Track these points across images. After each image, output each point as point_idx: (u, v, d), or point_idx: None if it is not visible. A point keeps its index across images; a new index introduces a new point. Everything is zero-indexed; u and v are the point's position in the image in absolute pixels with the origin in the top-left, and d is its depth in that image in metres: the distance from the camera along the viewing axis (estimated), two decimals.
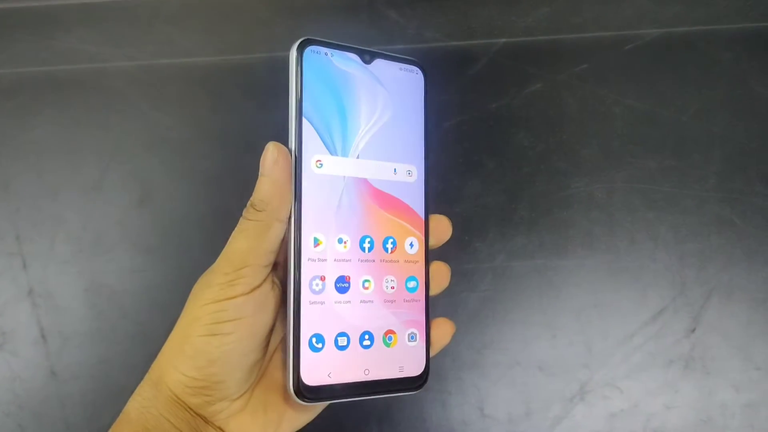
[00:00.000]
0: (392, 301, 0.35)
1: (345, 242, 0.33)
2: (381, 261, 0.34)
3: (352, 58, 0.34)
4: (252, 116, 0.49)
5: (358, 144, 0.34)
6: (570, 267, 0.47)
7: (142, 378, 0.33)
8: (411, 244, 0.35)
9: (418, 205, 0.36)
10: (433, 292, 0.36)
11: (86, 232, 0.48)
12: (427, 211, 0.36)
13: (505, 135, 0.49)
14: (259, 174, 0.32)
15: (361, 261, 0.34)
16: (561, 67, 0.50)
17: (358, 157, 0.34)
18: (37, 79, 0.50)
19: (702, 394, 0.46)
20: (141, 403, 0.31)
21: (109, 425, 0.31)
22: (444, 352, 0.37)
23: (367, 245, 0.34)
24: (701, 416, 0.46)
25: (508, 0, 0.51)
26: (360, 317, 0.34)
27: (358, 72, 0.34)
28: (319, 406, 0.35)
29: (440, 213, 0.37)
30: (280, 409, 0.34)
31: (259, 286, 0.32)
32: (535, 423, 0.46)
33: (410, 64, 0.36)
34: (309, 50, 0.33)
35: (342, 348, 0.33)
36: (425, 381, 0.35)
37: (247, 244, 0.31)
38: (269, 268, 0.32)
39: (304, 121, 0.32)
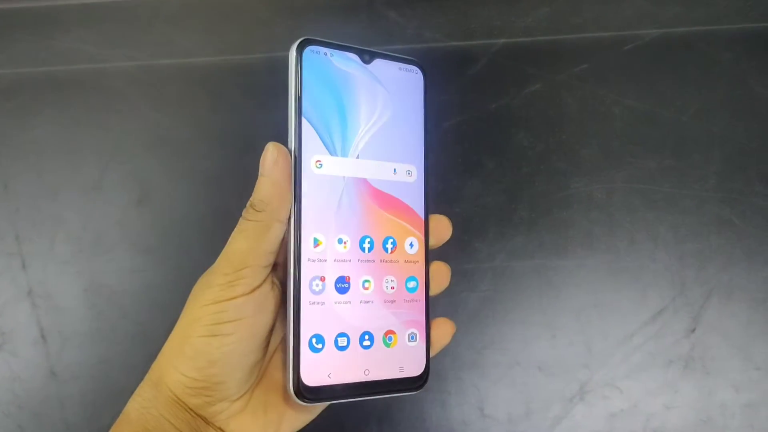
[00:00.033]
0: (392, 301, 0.35)
1: (345, 242, 0.33)
2: (381, 261, 0.34)
3: (351, 58, 0.34)
4: (251, 116, 0.49)
5: (357, 144, 0.34)
6: (570, 267, 0.47)
7: (141, 378, 0.32)
8: (411, 244, 0.35)
9: (417, 205, 0.36)
10: (433, 292, 0.36)
11: (86, 232, 0.48)
12: (427, 211, 0.36)
13: (505, 135, 0.49)
14: (259, 174, 0.32)
15: (361, 261, 0.34)
16: (561, 68, 0.50)
17: (357, 157, 0.34)
18: (37, 80, 0.50)
19: (702, 394, 0.46)
20: (141, 403, 0.31)
21: (109, 425, 0.31)
22: (444, 352, 0.37)
23: (367, 245, 0.34)
24: (701, 416, 0.46)
25: (508, 0, 0.51)
26: (360, 317, 0.34)
27: (357, 72, 0.34)
28: (319, 407, 0.35)
29: (440, 213, 0.37)
30: (280, 410, 0.34)
31: (259, 287, 0.32)
32: (535, 423, 0.46)
33: (410, 63, 0.36)
34: (308, 50, 0.33)
35: (342, 348, 0.33)
36: (425, 381, 0.35)
37: (247, 245, 0.31)
38: (269, 269, 0.32)
39: (304, 121, 0.32)
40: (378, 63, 0.35)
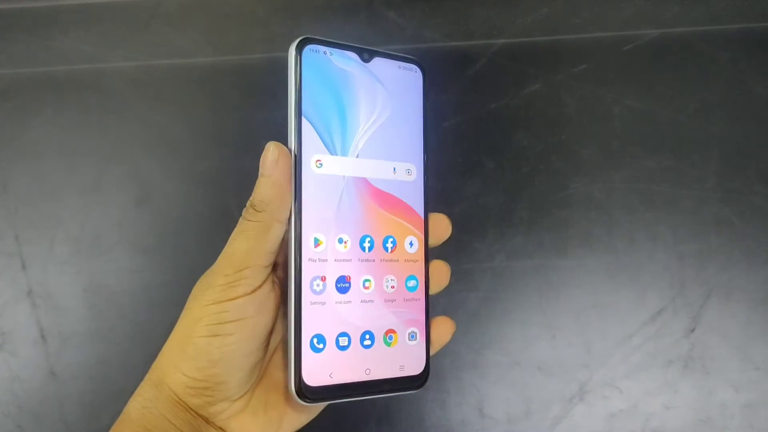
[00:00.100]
0: (392, 301, 0.35)
1: (345, 242, 0.33)
2: (381, 260, 0.34)
3: (351, 57, 0.34)
4: (251, 116, 0.49)
5: (357, 143, 0.34)
6: (569, 267, 0.47)
7: (141, 378, 0.32)
8: (411, 243, 0.35)
9: (417, 204, 0.36)
10: (433, 290, 0.36)
11: (85, 232, 0.48)
12: (427, 210, 0.36)
13: (505, 135, 0.49)
14: (259, 174, 0.32)
15: (362, 261, 0.34)
16: (560, 68, 0.50)
17: (357, 157, 0.34)
18: (36, 80, 0.50)
19: (701, 394, 0.46)
20: (142, 403, 0.31)
21: (109, 426, 0.31)
22: (443, 352, 0.37)
23: (367, 245, 0.34)
24: (700, 416, 0.46)
25: (507, 0, 0.51)
26: (360, 317, 0.34)
27: (357, 71, 0.34)
28: (320, 406, 0.35)
29: (439, 213, 0.37)
30: (281, 409, 0.33)
31: (259, 287, 0.32)
32: (535, 423, 0.46)
33: (409, 62, 0.36)
34: (308, 49, 0.33)
35: (343, 348, 0.33)
36: (426, 380, 0.35)
37: (248, 245, 0.31)
38: (270, 269, 0.32)
39: (304, 120, 0.32)
40: (377, 62, 0.35)
